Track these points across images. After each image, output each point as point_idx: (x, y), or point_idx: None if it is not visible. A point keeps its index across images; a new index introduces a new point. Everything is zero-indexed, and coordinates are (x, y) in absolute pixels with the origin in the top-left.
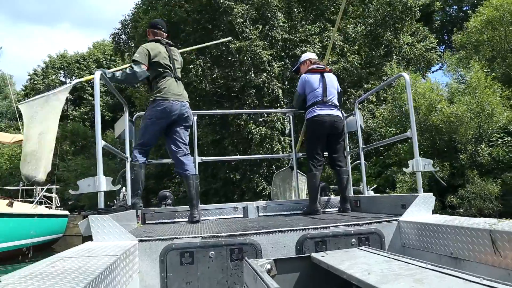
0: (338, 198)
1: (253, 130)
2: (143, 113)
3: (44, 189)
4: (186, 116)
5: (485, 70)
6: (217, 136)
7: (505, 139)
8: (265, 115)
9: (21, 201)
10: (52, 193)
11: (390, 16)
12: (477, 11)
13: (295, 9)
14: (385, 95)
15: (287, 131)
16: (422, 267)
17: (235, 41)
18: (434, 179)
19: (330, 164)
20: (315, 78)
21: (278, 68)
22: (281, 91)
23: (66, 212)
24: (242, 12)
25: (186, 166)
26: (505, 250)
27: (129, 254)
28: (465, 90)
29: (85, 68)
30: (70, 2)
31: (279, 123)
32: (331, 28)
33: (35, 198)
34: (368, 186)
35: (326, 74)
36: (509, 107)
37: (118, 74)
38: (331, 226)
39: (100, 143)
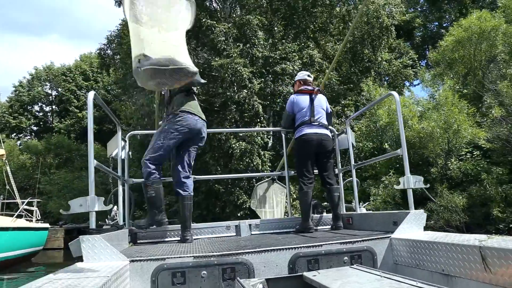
0: (330, 215)
1: (234, 145)
2: (137, 132)
3: (25, 202)
4: (202, 136)
5: (457, 87)
6: (198, 151)
7: (475, 153)
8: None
9: (2, 214)
10: (33, 206)
11: (368, 34)
12: (449, 31)
13: (276, 28)
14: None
15: (269, 146)
16: (412, 285)
17: (217, 59)
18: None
19: (321, 182)
20: (303, 99)
21: (258, 85)
22: (261, 107)
23: (46, 225)
24: (224, 30)
25: (187, 188)
26: (495, 266)
27: (120, 275)
28: (435, 107)
29: (71, 81)
30: (60, 13)
31: (259, 138)
32: (311, 46)
33: (16, 212)
34: (361, 203)
35: (315, 95)
36: (474, 123)
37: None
38: (324, 244)
39: (93, 162)
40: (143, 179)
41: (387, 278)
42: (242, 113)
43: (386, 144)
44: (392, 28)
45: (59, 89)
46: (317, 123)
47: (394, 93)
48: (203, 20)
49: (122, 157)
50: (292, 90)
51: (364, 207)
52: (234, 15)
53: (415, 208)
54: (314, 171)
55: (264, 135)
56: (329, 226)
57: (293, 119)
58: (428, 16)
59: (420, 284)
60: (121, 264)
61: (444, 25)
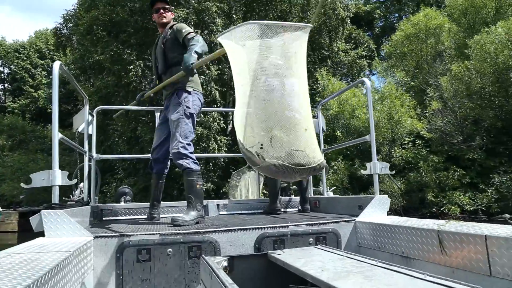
0: (298, 198)
1: None
2: (105, 106)
3: None
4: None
5: (406, 79)
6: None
7: (417, 142)
8: (202, 116)
9: None
10: None
11: (325, 25)
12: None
13: (234, 15)
14: (317, 98)
15: (228, 131)
16: (372, 264)
17: None
18: (355, 177)
19: None
20: None
21: (216, 71)
22: (218, 93)
23: None
24: (183, 16)
25: (165, 167)
26: (451, 249)
27: (83, 250)
28: (380, 98)
29: (25, 58)
30: None
31: (215, 123)
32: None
33: None
34: (328, 187)
35: None
36: (415, 115)
37: (201, 44)
38: (290, 225)
39: (57, 135)
40: (188, 169)
41: (349, 257)
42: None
43: (338, 131)
44: (347, 20)
45: (12, 67)
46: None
47: (366, 79)
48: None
49: (89, 132)
50: None
51: (331, 191)
52: (193, 1)
53: (359, 193)
54: None
55: (221, 120)
56: (297, 209)
57: None
58: (389, 7)
59: (380, 263)
60: (84, 240)
61: (404, 17)
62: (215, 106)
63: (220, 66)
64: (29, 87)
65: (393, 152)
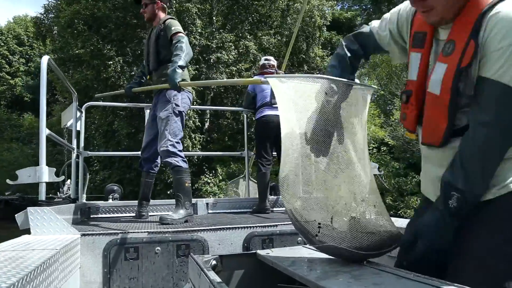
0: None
1: None
2: (95, 103)
3: None
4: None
5: (378, 88)
6: (132, 130)
7: (382, 148)
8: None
9: None
10: None
11: (303, 31)
12: None
13: (214, 18)
14: None
15: (205, 128)
16: (361, 264)
17: None
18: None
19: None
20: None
21: (194, 71)
22: (194, 91)
23: None
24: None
25: (155, 166)
26: None
27: (70, 249)
28: None
29: (2, 44)
30: None
31: (191, 121)
32: (248, 37)
33: None
34: None
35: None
36: (380, 123)
37: (184, 54)
38: (279, 224)
39: (44, 131)
40: (177, 167)
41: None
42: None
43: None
44: (324, 28)
45: None
46: (277, 105)
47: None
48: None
49: (78, 128)
50: (225, 78)
51: None
52: (174, 1)
53: None
54: (273, 153)
55: (196, 118)
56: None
57: (254, 98)
58: (371, 14)
59: (368, 263)
60: (72, 238)
61: None
62: (193, 104)
63: (197, 66)
64: (5, 74)
65: None
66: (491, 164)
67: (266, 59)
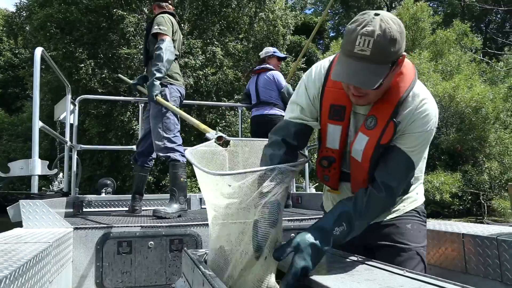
0: None
1: (135, 127)
2: (88, 96)
3: None
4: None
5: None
6: (102, 129)
7: None
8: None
9: None
10: None
11: (268, 38)
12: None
13: (183, 25)
14: None
15: None
16: (354, 260)
17: (124, 48)
18: None
19: None
20: (251, 80)
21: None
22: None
23: None
24: (134, 21)
25: (150, 160)
26: (428, 246)
27: (62, 242)
28: None
29: None
30: None
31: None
32: (216, 43)
33: None
34: (310, 183)
35: (260, 76)
36: None
37: (162, 63)
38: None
39: (37, 124)
40: (174, 161)
41: (331, 253)
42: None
43: None
44: (287, 36)
45: None
46: (262, 103)
47: None
48: (114, 11)
49: (71, 122)
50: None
51: (313, 187)
52: (145, 9)
53: None
54: None
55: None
56: None
57: (247, 95)
58: (342, 18)
59: (361, 259)
60: (64, 231)
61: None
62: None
63: None
64: None
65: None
66: (379, 214)
67: (259, 54)
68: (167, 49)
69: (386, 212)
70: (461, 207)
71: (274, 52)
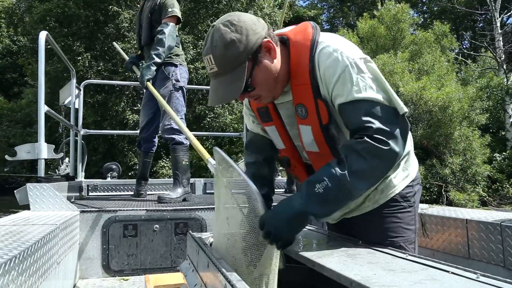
0: (285, 179)
1: (128, 117)
2: (93, 80)
3: None
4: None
5: None
6: (98, 118)
7: None
8: (138, 106)
9: None
10: None
11: None
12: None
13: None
14: None
15: None
16: (356, 244)
17: (119, 42)
18: None
19: None
20: None
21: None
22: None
23: None
24: (129, 17)
25: (153, 145)
26: (432, 232)
27: (69, 225)
28: None
29: None
30: None
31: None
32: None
33: None
34: None
35: None
36: None
37: (163, 49)
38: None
39: (43, 108)
40: (177, 144)
41: (333, 237)
42: (139, 90)
43: None
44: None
45: None
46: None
47: None
48: (110, 7)
49: (76, 106)
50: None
51: None
52: (139, 5)
53: None
54: None
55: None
56: (283, 189)
57: None
58: (337, 12)
59: (363, 244)
60: (71, 214)
61: (352, 23)
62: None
63: None
64: None
65: None
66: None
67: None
68: (170, 34)
69: (387, 164)
70: (427, 198)
71: None
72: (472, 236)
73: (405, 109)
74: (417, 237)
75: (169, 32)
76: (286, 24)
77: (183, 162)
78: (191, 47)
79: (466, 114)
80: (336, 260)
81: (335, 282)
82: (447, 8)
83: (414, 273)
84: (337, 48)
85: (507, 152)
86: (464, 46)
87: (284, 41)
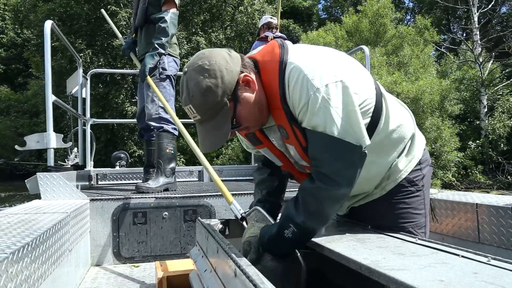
0: None
1: (127, 108)
2: (99, 70)
3: None
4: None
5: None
6: (100, 109)
7: None
8: (136, 98)
9: None
10: None
11: (249, 28)
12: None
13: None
14: None
15: None
16: (365, 228)
17: (117, 40)
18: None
19: None
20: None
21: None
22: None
23: None
24: (126, 16)
25: (154, 133)
26: (442, 217)
27: (80, 213)
28: None
29: None
30: None
31: None
32: (200, 32)
33: None
34: None
35: None
36: None
37: (166, 39)
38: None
39: (50, 97)
40: (161, 131)
41: (342, 222)
42: (136, 83)
43: None
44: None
45: None
46: None
47: (364, 47)
48: (109, 6)
49: (83, 96)
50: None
51: None
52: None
53: None
54: None
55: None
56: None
57: None
58: (335, 1)
59: (372, 229)
60: (81, 203)
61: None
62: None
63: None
64: None
65: None
66: (328, 206)
67: (270, 17)
68: (172, 22)
69: (339, 202)
70: None
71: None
72: (482, 220)
73: (366, 142)
74: (428, 221)
75: (171, 19)
76: (284, 14)
77: (167, 150)
78: (185, 42)
79: (436, 105)
80: (345, 245)
81: (343, 269)
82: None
83: (424, 257)
84: (306, 72)
85: (481, 140)
86: (451, 39)
87: (255, 65)
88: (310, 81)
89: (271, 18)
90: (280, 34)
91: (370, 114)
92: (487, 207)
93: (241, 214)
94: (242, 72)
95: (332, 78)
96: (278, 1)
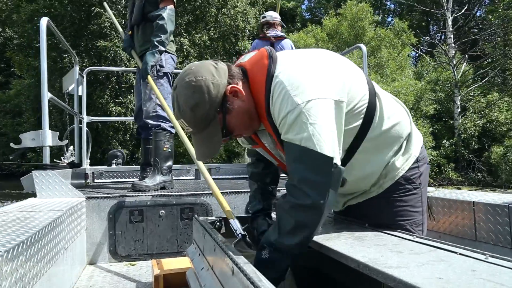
0: None
1: (112, 108)
2: (95, 68)
3: None
4: None
5: None
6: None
7: None
8: (121, 98)
9: None
10: None
11: (232, 29)
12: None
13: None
14: None
15: None
16: (363, 226)
17: (102, 41)
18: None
19: None
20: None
21: (134, 64)
22: (135, 80)
23: None
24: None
25: (151, 131)
26: (439, 215)
27: (75, 211)
28: None
29: None
30: None
31: (132, 104)
32: (184, 34)
33: None
34: None
35: (277, 44)
36: None
37: (165, 36)
38: (281, 189)
39: (46, 95)
40: (158, 129)
41: (339, 220)
42: (120, 84)
43: None
44: (246, 31)
45: None
46: None
47: (362, 45)
48: (93, 8)
49: (79, 93)
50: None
51: None
52: (119, 6)
53: None
54: None
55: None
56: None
57: None
58: (318, 2)
59: (370, 227)
60: (77, 201)
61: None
62: (132, 91)
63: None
64: None
65: None
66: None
67: (270, 16)
68: (169, 19)
69: (313, 216)
70: None
71: (279, 19)
72: (479, 218)
73: (338, 162)
74: (426, 219)
75: (168, 16)
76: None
77: (164, 149)
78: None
79: (411, 106)
80: (343, 243)
81: (340, 267)
82: (409, 2)
83: (422, 254)
84: (289, 88)
85: (454, 139)
86: (429, 41)
87: (244, 73)
88: (291, 97)
89: (269, 16)
90: (280, 34)
91: (363, 115)
92: (484, 205)
93: (241, 233)
94: (229, 83)
95: (314, 95)
96: (278, 1)
